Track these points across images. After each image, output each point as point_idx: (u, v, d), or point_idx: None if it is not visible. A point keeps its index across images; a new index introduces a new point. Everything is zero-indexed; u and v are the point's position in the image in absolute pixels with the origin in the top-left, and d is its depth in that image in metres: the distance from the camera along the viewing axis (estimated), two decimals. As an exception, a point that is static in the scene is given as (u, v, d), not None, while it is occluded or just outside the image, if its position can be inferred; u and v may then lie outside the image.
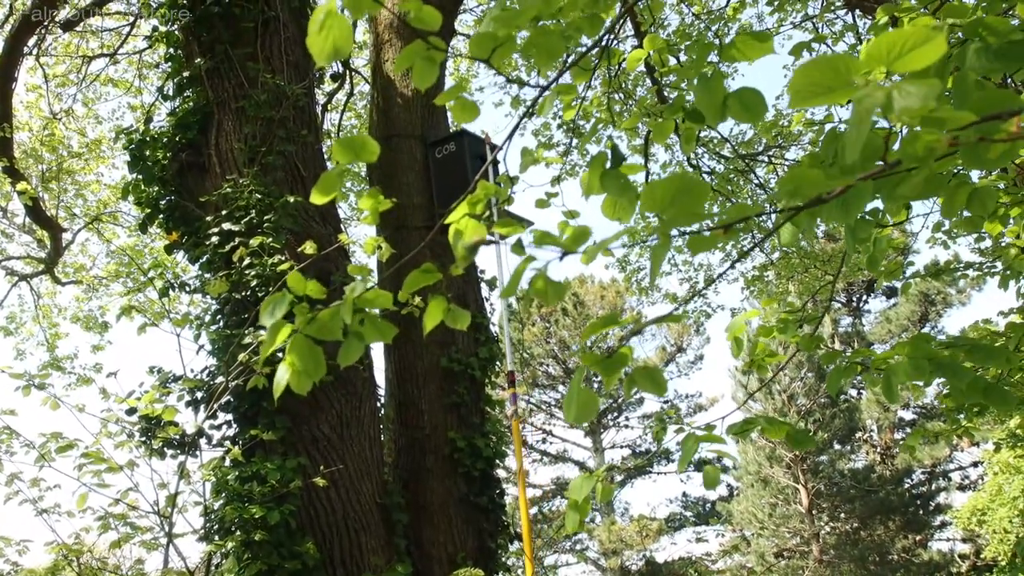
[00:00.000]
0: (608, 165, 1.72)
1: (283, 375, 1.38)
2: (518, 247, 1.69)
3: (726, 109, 1.59)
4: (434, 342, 5.28)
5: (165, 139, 5.42)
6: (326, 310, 1.36)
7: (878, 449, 22.22)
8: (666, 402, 24.84)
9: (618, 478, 24.11)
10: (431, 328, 1.48)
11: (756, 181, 10.77)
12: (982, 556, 17.25)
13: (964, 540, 19.44)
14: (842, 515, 19.65)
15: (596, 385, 24.89)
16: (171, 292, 5.01)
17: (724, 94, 1.58)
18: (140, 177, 5.46)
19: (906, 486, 20.93)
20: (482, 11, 11.01)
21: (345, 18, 1.22)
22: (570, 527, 1.90)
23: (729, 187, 10.92)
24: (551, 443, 25.01)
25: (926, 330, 22.44)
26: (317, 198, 1.42)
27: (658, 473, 24.81)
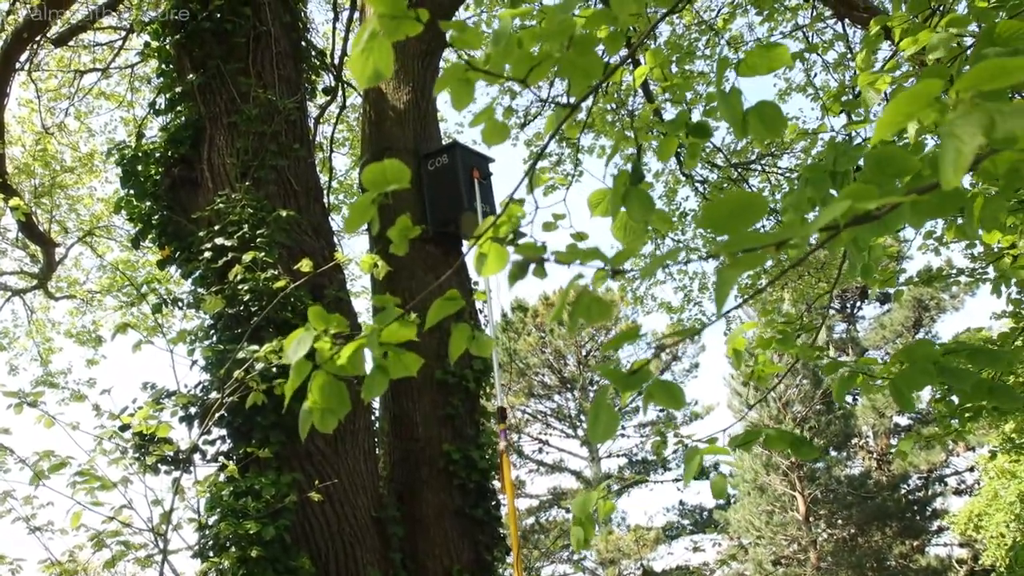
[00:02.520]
0: (630, 183, 1.70)
1: (307, 414, 1.36)
2: (540, 270, 1.65)
3: (747, 125, 1.58)
4: (428, 353, 5.28)
5: (157, 154, 5.43)
6: (349, 346, 1.34)
7: (874, 455, 22.24)
8: (662, 411, 24.82)
9: (615, 487, 24.07)
10: (456, 357, 1.47)
11: (750, 190, 10.81)
12: (980, 561, 17.25)
13: (961, 545, 19.45)
14: (839, 522, 19.64)
15: (592, 394, 24.88)
16: (164, 308, 5.00)
17: (743, 109, 1.57)
18: (132, 192, 5.46)
19: (902, 492, 20.95)
20: (474, 20, 11.05)
21: (386, 41, 1.21)
22: (576, 545, 1.89)
23: (722, 196, 10.94)
24: (547, 453, 24.99)
25: (920, 335, 22.49)
26: (350, 227, 1.40)
27: (655, 482, 24.80)
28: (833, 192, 2.07)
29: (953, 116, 0.83)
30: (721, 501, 23.86)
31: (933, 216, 1.22)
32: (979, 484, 17.52)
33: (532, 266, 1.43)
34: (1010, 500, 14.73)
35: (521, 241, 1.65)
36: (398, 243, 1.54)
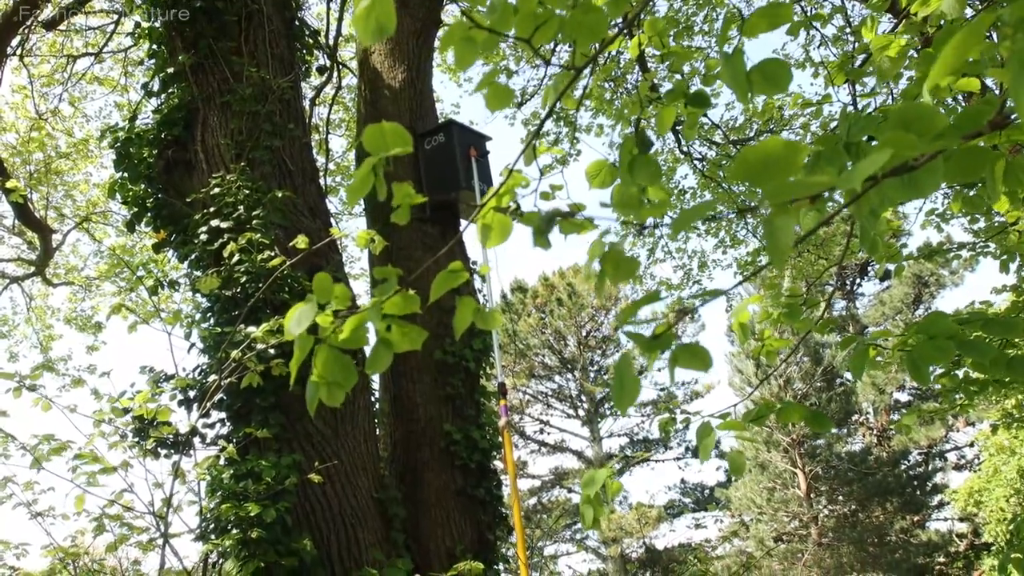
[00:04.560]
0: (637, 151, 1.66)
1: (314, 389, 1.33)
2: (542, 238, 1.60)
3: (751, 84, 1.52)
4: (428, 333, 5.25)
5: (150, 136, 5.37)
6: (352, 318, 1.31)
7: (875, 431, 22.30)
8: (663, 390, 24.85)
9: (617, 467, 24.14)
10: (461, 332, 1.44)
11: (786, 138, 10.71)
12: (980, 537, 17.34)
13: (961, 519, 19.55)
14: (840, 498, 19.73)
15: (592, 374, 24.90)
16: (161, 290, 4.96)
17: (746, 69, 1.52)
18: (126, 175, 5.40)
19: (903, 467, 21.02)
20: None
21: None
22: (586, 524, 1.87)
23: (721, 173, 10.90)
24: (549, 433, 25.05)
25: (920, 312, 22.48)
26: (352, 196, 1.36)
27: (657, 461, 24.88)
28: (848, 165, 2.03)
29: (1015, 44, 0.76)
30: (722, 479, 23.97)
31: (965, 178, 1.17)
32: (979, 459, 17.58)
33: (557, 221, 1.39)
34: (1010, 476, 14.77)
35: (525, 211, 1.61)
36: (400, 211, 1.48)
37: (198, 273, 4.79)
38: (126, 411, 3.87)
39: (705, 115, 9.99)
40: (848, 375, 21.84)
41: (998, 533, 14.93)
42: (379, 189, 1.36)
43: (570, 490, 24.17)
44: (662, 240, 10.97)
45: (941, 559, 19.80)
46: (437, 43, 6.87)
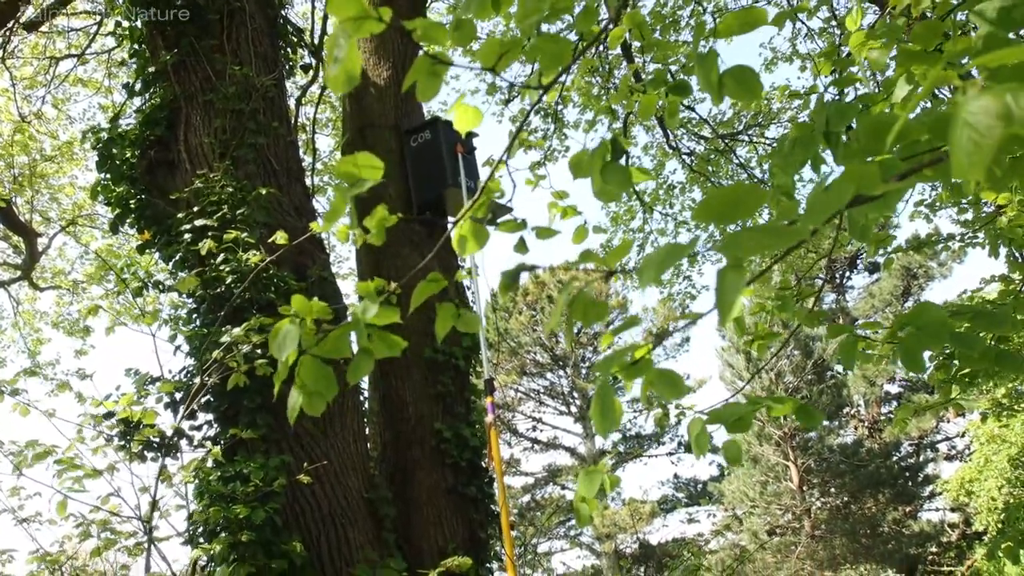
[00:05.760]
0: (608, 158, 1.71)
1: (296, 398, 1.39)
2: (521, 246, 1.70)
3: (723, 87, 1.57)
4: (416, 332, 5.21)
5: (133, 136, 5.31)
6: (335, 331, 1.37)
7: (866, 423, 22.38)
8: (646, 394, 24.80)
9: (610, 463, 24.14)
10: (443, 336, 1.52)
11: (737, 161, 10.74)
12: (972, 526, 17.43)
13: (953, 509, 19.64)
14: (832, 490, 19.79)
15: (584, 371, 24.89)
16: (146, 292, 4.91)
17: (718, 73, 1.56)
18: (109, 176, 5.34)
19: (894, 459, 21.11)
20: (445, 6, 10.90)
21: (353, 46, 1.22)
22: (582, 522, 1.90)
23: (710, 167, 10.89)
24: (541, 431, 25.04)
25: (909, 304, 22.56)
26: (327, 223, 1.45)
27: (650, 456, 24.91)
28: (826, 154, 2.02)
29: (966, 101, 0.74)
30: (715, 473, 24.02)
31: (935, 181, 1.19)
32: (969, 449, 17.66)
33: (524, 275, 1.45)
34: (1001, 465, 14.84)
35: (501, 219, 1.68)
36: (376, 232, 1.59)
37: (183, 274, 4.74)
38: (110, 414, 3.83)
39: (692, 109, 9.97)
40: (839, 368, 21.91)
41: (989, 522, 15.00)
42: (352, 219, 1.47)
43: (563, 487, 24.17)
44: (652, 236, 10.95)
45: (933, 549, 19.90)
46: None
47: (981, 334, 2.04)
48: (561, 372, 24.87)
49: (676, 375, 1.37)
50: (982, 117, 0.73)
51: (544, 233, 1.69)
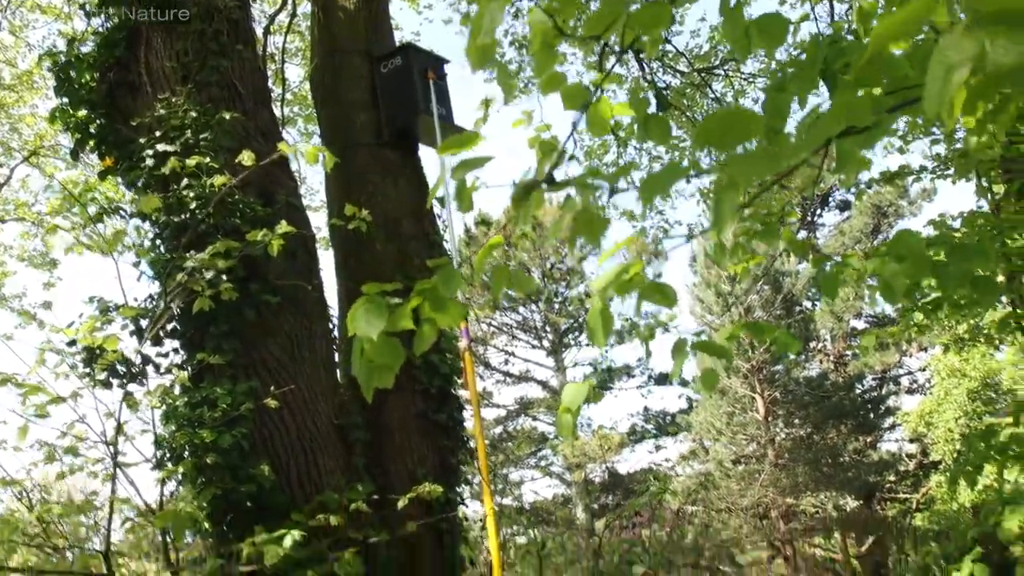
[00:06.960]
0: (651, 110, 1.74)
1: (367, 371, 1.50)
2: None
3: (749, 39, 1.58)
4: (388, 260, 5.18)
5: (92, 59, 5.12)
6: (401, 308, 1.48)
7: (831, 357, 22.85)
8: (626, 320, 25.09)
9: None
10: (422, 351, 1.61)
11: (712, 95, 10.66)
12: (928, 456, 18.02)
13: (911, 440, 20.25)
14: (797, 421, 20.28)
15: (556, 305, 25.05)
16: (108, 218, 4.81)
17: (746, 24, 1.56)
18: (67, 101, 5.17)
19: (857, 391, 21.62)
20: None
21: None
22: (563, 431, 1.95)
23: (685, 101, 10.79)
24: (513, 364, 25.28)
25: (878, 240, 22.82)
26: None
27: (621, 389, 25.31)
28: (819, 91, 2.01)
29: (944, 38, 0.75)
30: (684, 405, 24.49)
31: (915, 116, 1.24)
32: (930, 383, 18.14)
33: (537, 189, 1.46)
34: (960, 399, 15.28)
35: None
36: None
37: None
38: (73, 342, 3.79)
39: (669, 42, 9.83)
40: (807, 304, 22.23)
41: (946, 452, 15.52)
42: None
43: (535, 418, 24.55)
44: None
45: (891, 478, 20.59)
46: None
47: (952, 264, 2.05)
48: (533, 307, 25.00)
49: (668, 286, 1.45)
50: (953, 54, 0.74)
51: (589, 175, 1.69)
